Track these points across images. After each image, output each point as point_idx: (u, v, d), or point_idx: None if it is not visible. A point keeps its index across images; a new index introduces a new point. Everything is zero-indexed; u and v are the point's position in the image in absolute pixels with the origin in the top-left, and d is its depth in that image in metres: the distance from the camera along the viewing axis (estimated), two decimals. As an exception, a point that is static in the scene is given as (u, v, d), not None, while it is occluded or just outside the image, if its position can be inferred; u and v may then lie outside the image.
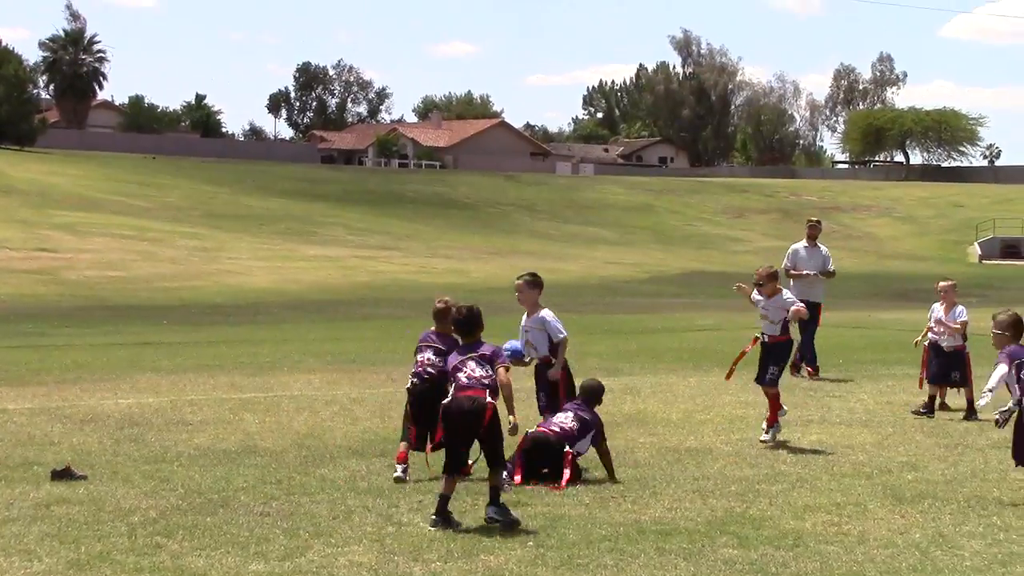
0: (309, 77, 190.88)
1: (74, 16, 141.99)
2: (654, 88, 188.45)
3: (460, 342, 10.88)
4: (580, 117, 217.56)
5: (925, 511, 10.81)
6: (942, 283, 17.96)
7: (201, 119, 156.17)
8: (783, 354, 14.82)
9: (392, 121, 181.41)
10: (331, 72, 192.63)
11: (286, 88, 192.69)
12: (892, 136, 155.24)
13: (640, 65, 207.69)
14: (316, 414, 16.13)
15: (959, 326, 17.26)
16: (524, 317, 13.10)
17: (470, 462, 10.52)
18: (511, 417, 10.32)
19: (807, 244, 22.22)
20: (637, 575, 8.82)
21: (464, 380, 10.39)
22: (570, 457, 11.95)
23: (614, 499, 11.12)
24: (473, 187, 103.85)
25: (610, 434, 12.71)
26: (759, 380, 14.76)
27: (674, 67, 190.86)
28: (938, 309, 17.87)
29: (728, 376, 15.29)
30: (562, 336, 12.85)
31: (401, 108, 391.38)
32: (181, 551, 9.17)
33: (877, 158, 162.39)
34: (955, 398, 17.63)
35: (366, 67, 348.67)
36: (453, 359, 10.66)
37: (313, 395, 18.12)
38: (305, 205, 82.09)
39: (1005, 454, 13.53)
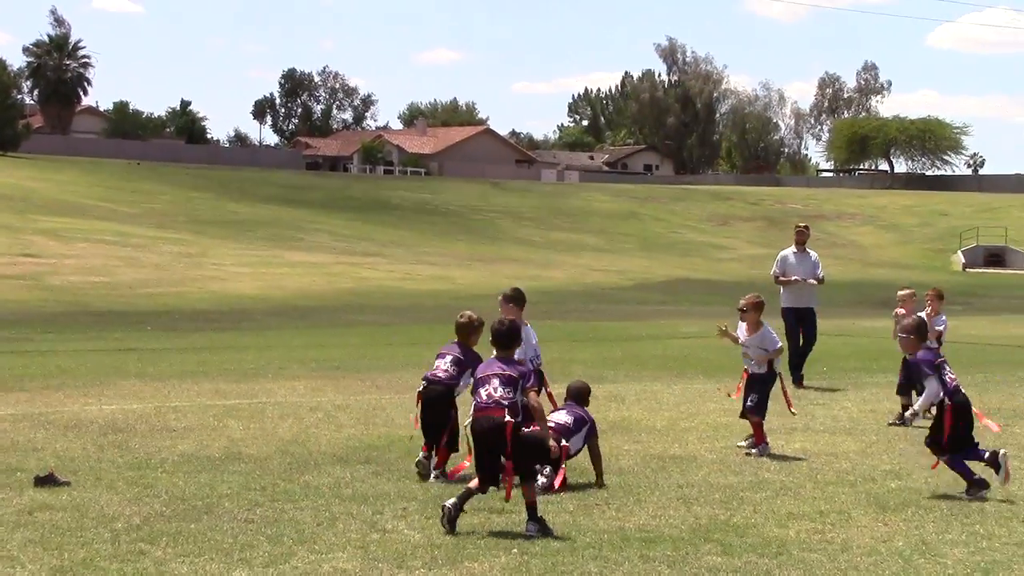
0: (294, 84, 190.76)
1: (59, 21, 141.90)
2: (639, 96, 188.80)
3: (494, 353, 10.78)
4: (565, 124, 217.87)
5: (908, 519, 10.83)
6: (901, 291, 18.07)
7: (186, 125, 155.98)
8: (765, 385, 14.60)
9: (377, 128, 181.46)
10: (316, 79, 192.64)
11: (271, 94, 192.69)
12: (877, 144, 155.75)
13: (626, 73, 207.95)
14: (300, 421, 16.11)
15: (935, 333, 17.32)
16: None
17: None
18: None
19: (796, 250, 22.04)
20: (621, 582, 8.81)
21: (484, 398, 10.38)
22: (564, 452, 12.01)
23: (598, 506, 11.13)
24: (458, 194, 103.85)
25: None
26: (742, 414, 14.63)
27: (659, 75, 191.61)
28: (920, 317, 18.00)
29: (731, 394, 15.10)
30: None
31: (386, 115, 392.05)
32: (165, 558, 9.15)
33: (862, 166, 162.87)
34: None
35: (351, 74, 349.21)
36: (481, 370, 10.64)
37: (297, 402, 18.09)
38: (290, 211, 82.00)
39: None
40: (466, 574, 8.94)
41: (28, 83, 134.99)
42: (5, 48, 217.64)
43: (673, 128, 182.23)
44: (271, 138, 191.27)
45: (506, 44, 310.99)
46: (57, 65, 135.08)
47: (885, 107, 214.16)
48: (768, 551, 9.61)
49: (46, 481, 11.56)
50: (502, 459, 10.33)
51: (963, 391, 12.24)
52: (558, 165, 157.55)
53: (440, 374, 12.62)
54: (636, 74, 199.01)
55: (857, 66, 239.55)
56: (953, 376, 12.25)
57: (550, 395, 13.29)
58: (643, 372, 22.99)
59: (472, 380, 10.72)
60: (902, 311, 17.62)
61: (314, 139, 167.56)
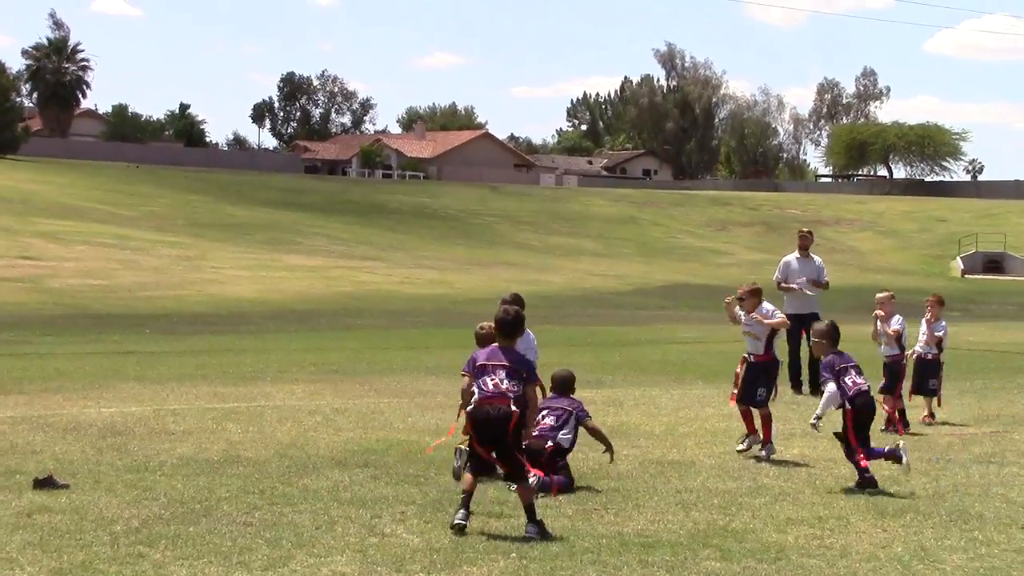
0: (293, 87, 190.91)
1: (57, 24, 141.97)
2: (638, 101, 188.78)
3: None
4: (564, 129, 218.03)
5: (907, 525, 10.82)
6: (880, 294, 18.10)
7: (185, 128, 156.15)
8: (768, 375, 14.63)
9: (376, 132, 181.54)
10: (315, 82, 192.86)
11: (270, 98, 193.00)
12: (875, 150, 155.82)
13: (625, 78, 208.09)
14: (299, 424, 16.10)
15: (893, 333, 17.31)
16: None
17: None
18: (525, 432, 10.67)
19: (799, 255, 21.89)
20: (620, 587, 8.82)
21: (490, 387, 10.40)
22: (550, 451, 12.14)
23: (596, 511, 11.12)
24: (457, 198, 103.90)
25: (595, 446, 12.77)
26: (746, 400, 14.57)
27: (658, 80, 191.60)
28: (924, 323, 18.13)
29: (733, 399, 15.04)
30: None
31: (385, 119, 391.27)
32: (164, 560, 9.14)
33: (860, 172, 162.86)
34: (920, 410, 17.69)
35: (350, 78, 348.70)
36: (486, 358, 10.58)
37: (296, 405, 18.08)
38: (288, 215, 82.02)
39: (987, 468, 13.65)
40: (465, 578, 8.93)
41: (27, 86, 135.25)
42: (4, 51, 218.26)
43: (672, 133, 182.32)
44: (270, 142, 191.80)
45: (505, 48, 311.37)
46: (56, 68, 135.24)
47: (884, 113, 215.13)
48: (767, 557, 9.60)
49: (45, 484, 11.54)
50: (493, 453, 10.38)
51: (870, 395, 12.93)
52: (557, 170, 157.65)
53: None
54: (635, 79, 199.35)
55: (856, 72, 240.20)
56: (860, 380, 12.83)
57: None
58: (642, 377, 22.98)
59: (472, 367, 10.64)
60: (881, 313, 17.61)
61: (313, 143, 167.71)
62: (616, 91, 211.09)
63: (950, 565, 9.55)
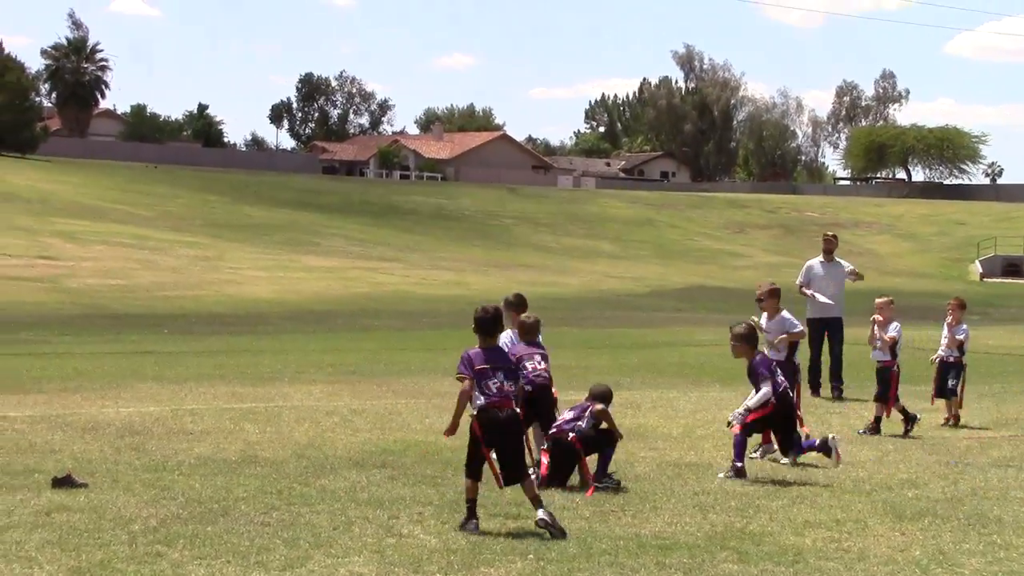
0: (311, 88, 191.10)
1: (76, 24, 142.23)
2: (656, 102, 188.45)
3: (480, 343, 10.82)
4: (582, 130, 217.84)
5: (925, 528, 10.78)
6: (879, 299, 18.05)
7: (203, 129, 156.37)
8: (787, 377, 14.52)
9: (394, 133, 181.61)
10: (333, 83, 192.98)
11: (288, 99, 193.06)
12: (894, 153, 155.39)
13: (643, 79, 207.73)
14: (317, 424, 16.12)
15: (889, 339, 17.23)
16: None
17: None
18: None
19: (823, 259, 21.61)
20: (637, 589, 8.81)
21: (494, 390, 10.48)
22: (576, 441, 12.35)
23: (614, 513, 11.11)
24: (474, 199, 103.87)
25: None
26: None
27: (676, 82, 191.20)
28: (945, 327, 18.09)
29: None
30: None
31: (403, 120, 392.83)
32: (182, 560, 9.16)
33: (879, 175, 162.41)
34: (933, 411, 17.64)
35: (368, 79, 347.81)
36: (479, 360, 10.57)
37: (314, 406, 18.10)
38: (306, 216, 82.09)
39: (1006, 472, 13.60)
40: (482, 580, 8.92)
41: (46, 86, 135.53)
42: (23, 51, 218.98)
43: (690, 135, 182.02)
44: (288, 142, 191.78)
45: (523, 49, 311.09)
46: (75, 68, 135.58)
47: (903, 115, 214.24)
48: (784, 559, 9.57)
49: (64, 483, 11.56)
50: (493, 454, 10.47)
51: (790, 394, 13.62)
52: (574, 171, 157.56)
53: (544, 373, 13.19)
54: (653, 81, 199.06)
55: (875, 74, 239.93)
56: (780, 380, 13.43)
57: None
58: (659, 379, 22.94)
59: (471, 370, 10.57)
60: (879, 318, 17.53)
61: (331, 143, 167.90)
62: (634, 93, 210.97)
63: (968, 569, 9.51)
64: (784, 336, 14.55)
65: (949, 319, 18.26)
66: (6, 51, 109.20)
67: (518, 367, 12.84)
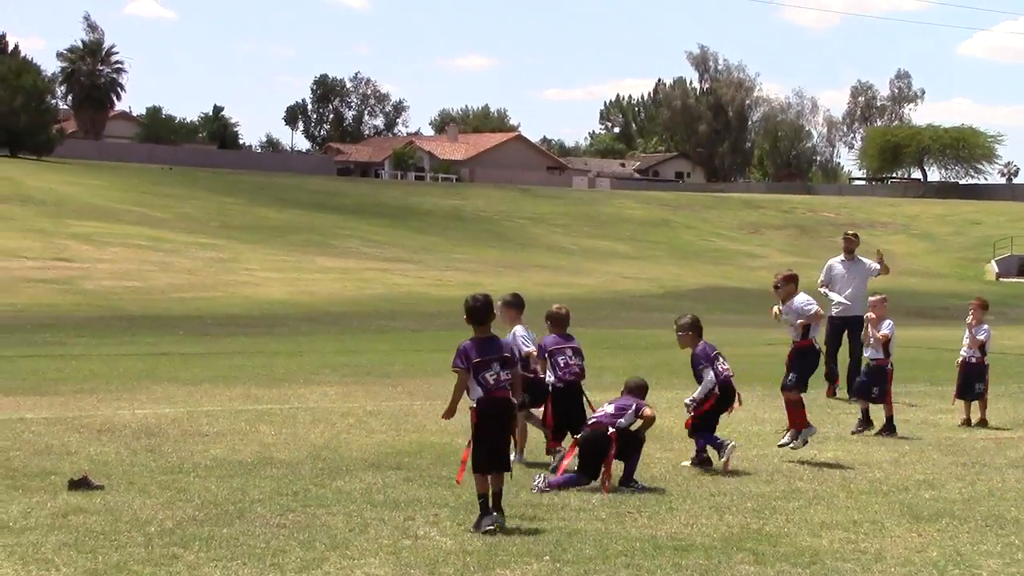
0: (326, 90, 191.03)
1: (92, 27, 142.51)
2: (671, 103, 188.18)
3: (474, 333, 10.97)
4: (597, 131, 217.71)
5: (943, 530, 10.75)
6: (872, 297, 18.01)
7: (218, 130, 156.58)
8: (805, 360, 14.53)
9: (408, 134, 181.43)
10: (348, 85, 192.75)
11: (303, 100, 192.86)
12: (909, 153, 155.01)
13: (658, 80, 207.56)
14: (332, 426, 16.13)
15: (882, 337, 17.15)
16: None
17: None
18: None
19: (844, 258, 21.43)
20: (654, 591, 8.79)
21: (491, 382, 10.65)
22: (615, 436, 12.43)
23: (630, 514, 11.10)
24: (489, 200, 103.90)
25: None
26: (783, 387, 14.63)
27: (691, 82, 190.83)
28: (966, 327, 18.04)
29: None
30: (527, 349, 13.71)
31: (418, 121, 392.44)
32: (198, 562, 9.16)
33: (894, 175, 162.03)
34: (946, 412, 17.58)
35: (383, 80, 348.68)
36: (475, 353, 10.72)
37: (329, 407, 18.12)
38: (321, 217, 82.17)
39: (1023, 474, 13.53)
40: (498, 581, 8.91)
41: (62, 88, 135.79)
42: (39, 53, 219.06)
43: (705, 136, 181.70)
44: (303, 144, 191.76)
45: (538, 50, 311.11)
46: (91, 70, 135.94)
47: (918, 115, 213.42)
48: (801, 561, 9.55)
49: (80, 485, 11.59)
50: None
51: (732, 384, 13.89)
52: (589, 172, 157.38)
53: (576, 368, 13.55)
54: (668, 81, 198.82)
55: (890, 74, 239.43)
56: (727, 368, 13.86)
57: None
58: (674, 380, 22.88)
59: (468, 363, 10.75)
60: (872, 316, 17.47)
61: (345, 145, 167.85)
62: (649, 93, 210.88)
63: (986, 570, 9.48)
64: (801, 321, 14.47)
65: (970, 319, 18.19)
66: (22, 54, 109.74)
67: (551, 359, 13.39)
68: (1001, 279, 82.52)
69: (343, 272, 56.88)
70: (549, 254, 78.73)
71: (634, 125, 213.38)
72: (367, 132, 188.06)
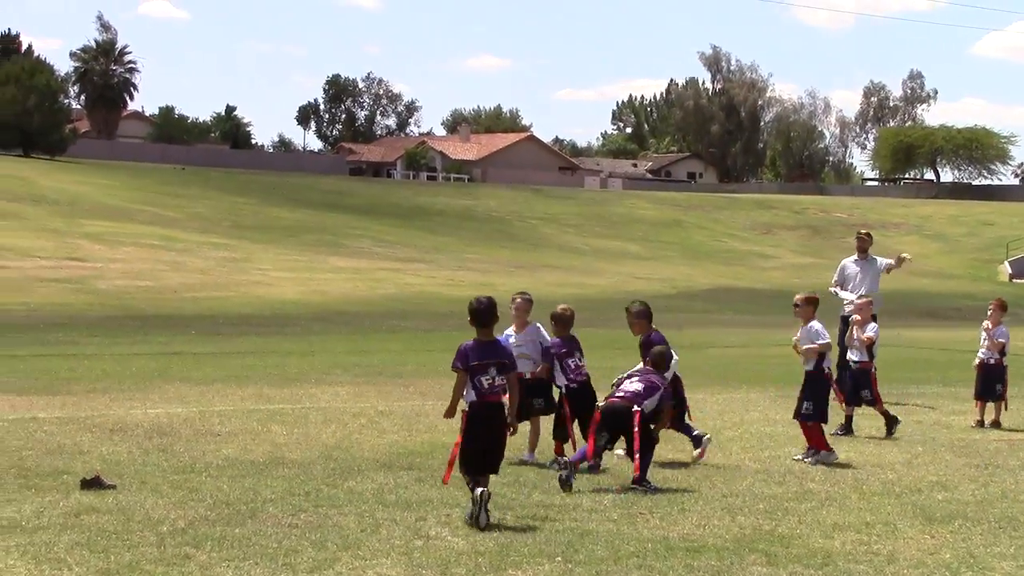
0: (339, 89, 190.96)
1: (105, 27, 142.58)
2: (683, 103, 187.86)
3: (476, 335, 11.10)
4: (609, 132, 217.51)
5: (955, 531, 10.72)
6: (857, 299, 17.96)
7: (231, 130, 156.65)
8: (818, 388, 14.54)
9: (421, 134, 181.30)
10: (361, 85, 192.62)
11: (316, 100, 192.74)
12: (922, 153, 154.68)
13: (670, 80, 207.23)
14: (344, 426, 16.14)
15: (866, 340, 17.09)
16: (513, 336, 13.76)
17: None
18: (511, 419, 11.07)
19: (858, 258, 21.31)
20: (665, 592, 8.76)
21: (486, 386, 10.85)
22: (638, 416, 12.51)
23: (642, 515, 11.08)
24: (501, 201, 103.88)
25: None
26: (796, 414, 14.62)
27: (704, 83, 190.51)
28: (983, 328, 17.99)
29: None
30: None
31: (430, 121, 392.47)
32: (210, 562, 9.16)
33: (907, 176, 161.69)
34: (955, 414, 17.54)
35: (395, 80, 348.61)
36: (474, 355, 10.89)
37: (341, 407, 18.13)
38: (333, 217, 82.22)
39: (1036, 475, 13.50)
40: (510, 582, 8.90)
41: (75, 88, 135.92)
42: (53, 53, 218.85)
43: (717, 136, 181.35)
44: (315, 144, 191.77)
45: (550, 51, 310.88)
46: (104, 70, 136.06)
47: (931, 116, 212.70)
48: (813, 562, 9.53)
49: (92, 484, 11.59)
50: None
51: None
52: (601, 172, 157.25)
53: (585, 371, 13.83)
54: (680, 81, 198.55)
55: (903, 75, 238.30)
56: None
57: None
58: (686, 381, 22.78)
59: (466, 365, 10.92)
60: (858, 318, 17.41)
61: (358, 145, 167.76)
62: (661, 94, 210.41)
63: (999, 572, 9.46)
64: (810, 346, 14.46)
65: (987, 323, 18.11)
66: (35, 53, 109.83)
67: (561, 362, 13.61)
68: (1014, 280, 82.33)
69: (355, 272, 56.91)
70: (561, 254, 78.71)
71: (646, 125, 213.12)
72: (379, 132, 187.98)
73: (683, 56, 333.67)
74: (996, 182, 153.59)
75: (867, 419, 17.95)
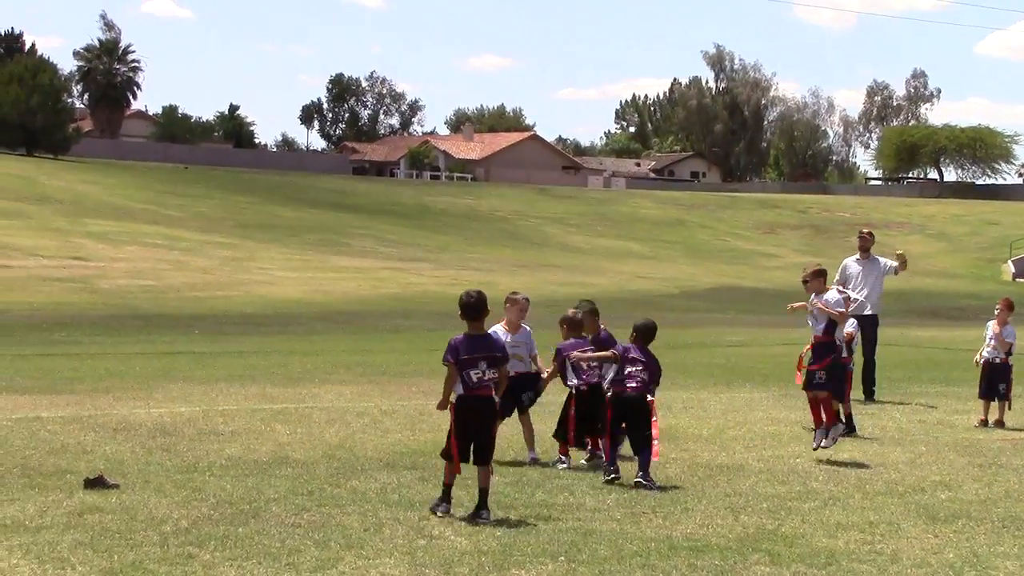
0: (342, 89, 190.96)
1: (109, 26, 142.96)
2: (687, 103, 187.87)
3: (468, 328, 11.14)
4: (612, 131, 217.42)
5: (959, 531, 10.70)
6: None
7: (234, 129, 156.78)
8: (829, 356, 14.42)
9: (424, 133, 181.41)
10: (364, 84, 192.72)
11: (319, 99, 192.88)
12: (926, 153, 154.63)
13: (674, 79, 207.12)
14: (347, 426, 16.11)
15: (846, 336, 16.94)
16: (508, 336, 13.60)
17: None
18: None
19: (859, 257, 21.20)
20: (669, 592, 8.74)
21: (475, 379, 10.91)
22: (654, 406, 12.68)
23: (645, 515, 11.06)
24: (504, 200, 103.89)
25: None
26: (808, 385, 14.46)
27: (707, 82, 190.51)
28: (992, 326, 17.91)
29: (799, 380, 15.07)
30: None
31: (433, 120, 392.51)
32: (213, 561, 9.14)
33: (910, 175, 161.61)
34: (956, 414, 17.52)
35: (399, 79, 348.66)
36: (464, 349, 10.95)
37: (344, 407, 18.10)
38: (336, 216, 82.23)
39: (1040, 474, 13.48)
40: (513, 581, 8.89)
41: (78, 87, 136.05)
42: (56, 52, 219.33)
43: (720, 135, 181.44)
44: (318, 143, 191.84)
45: (553, 50, 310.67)
46: (107, 69, 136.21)
47: (934, 115, 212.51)
48: (817, 562, 9.51)
49: (96, 483, 11.58)
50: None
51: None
52: (604, 172, 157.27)
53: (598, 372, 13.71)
54: (684, 81, 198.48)
55: (906, 74, 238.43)
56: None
57: None
58: (689, 380, 22.91)
59: (456, 359, 10.96)
60: (819, 303, 17.29)
61: (361, 144, 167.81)
62: (665, 93, 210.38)
63: (1003, 572, 9.44)
64: (821, 305, 14.39)
65: (993, 323, 18.05)
66: (39, 52, 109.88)
67: (572, 363, 13.53)
68: (1018, 279, 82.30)
69: (358, 271, 56.90)
70: (564, 254, 78.71)
71: (649, 125, 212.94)
72: (382, 131, 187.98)
73: (686, 55, 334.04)
74: (1000, 181, 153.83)
75: (870, 418, 17.97)
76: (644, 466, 12.44)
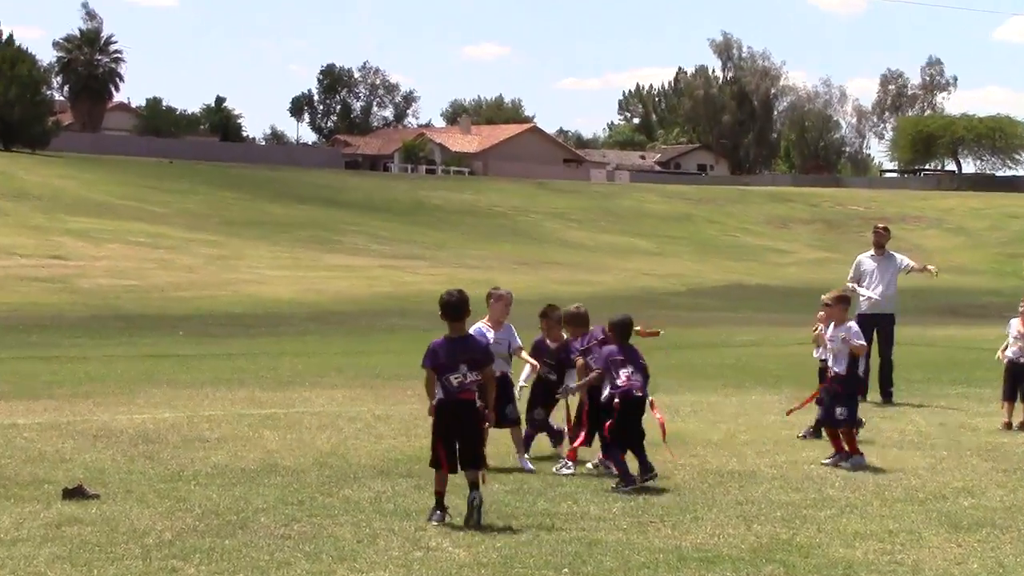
0: (333, 80, 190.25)
1: (90, 15, 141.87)
2: (693, 93, 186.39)
3: (449, 331, 11.07)
4: (616, 122, 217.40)
5: (983, 540, 10.41)
6: (825, 295, 17.45)
7: (221, 122, 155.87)
8: (851, 391, 14.22)
9: (419, 126, 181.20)
10: (356, 74, 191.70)
11: (309, 91, 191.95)
12: (943, 144, 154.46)
13: (679, 69, 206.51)
14: (339, 431, 15.99)
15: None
16: (490, 332, 13.78)
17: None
18: (488, 412, 11.13)
19: (874, 253, 20.94)
20: (678, 605, 8.58)
21: (455, 384, 10.84)
22: (653, 404, 12.79)
23: (653, 524, 10.82)
24: (503, 195, 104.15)
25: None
26: (828, 421, 14.24)
27: (714, 71, 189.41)
28: (1016, 324, 17.47)
29: (789, 412, 15.22)
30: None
31: (429, 112, 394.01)
32: (198, 575, 8.96)
33: (927, 167, 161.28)
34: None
35: (393, 69, 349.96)
36: (443, 353, 10.87)
37: (336, 411, 18.03)
38: (328, 213, 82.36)
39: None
40: (514, 595, 8.75)
41: (58, 79, 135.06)
42: (35, 43, 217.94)
43: (728, 126, 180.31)
44: (309, 136, 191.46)
45: (554, 38, 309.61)
46: (88, 60, 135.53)
47: (951, 104, 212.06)
48: (834, 573, 9.29)
49: (75, 494, 11.45)
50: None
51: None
52: (608, 165, 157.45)
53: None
54: (690, 70, 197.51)
55: (921, 62, 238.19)
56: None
57: None
58: (698, 382, 22.83)
59: (435, 363, 10.93)
60: (823, 315, 16.81)
61: (353, 137, 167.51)
62: (670, 83, 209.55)
63: (1030, 583, 9.24)
64: (846, 347, 14.08)
65: (1017, 321, 17.61)
66: (17, 43, 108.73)
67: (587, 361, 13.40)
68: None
69: (351, 269, 56.98)
70: (566, 250, 78.84)
71: (654, 116, 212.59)
72: (376, 124, 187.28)
73: (692, 43, 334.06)
74: (1020, 173, 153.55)
75: (888, 421, 17.72)
76: (648, 466, 12.44)
